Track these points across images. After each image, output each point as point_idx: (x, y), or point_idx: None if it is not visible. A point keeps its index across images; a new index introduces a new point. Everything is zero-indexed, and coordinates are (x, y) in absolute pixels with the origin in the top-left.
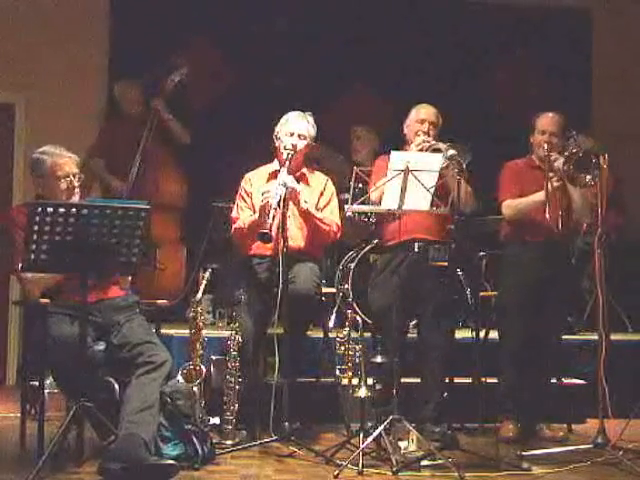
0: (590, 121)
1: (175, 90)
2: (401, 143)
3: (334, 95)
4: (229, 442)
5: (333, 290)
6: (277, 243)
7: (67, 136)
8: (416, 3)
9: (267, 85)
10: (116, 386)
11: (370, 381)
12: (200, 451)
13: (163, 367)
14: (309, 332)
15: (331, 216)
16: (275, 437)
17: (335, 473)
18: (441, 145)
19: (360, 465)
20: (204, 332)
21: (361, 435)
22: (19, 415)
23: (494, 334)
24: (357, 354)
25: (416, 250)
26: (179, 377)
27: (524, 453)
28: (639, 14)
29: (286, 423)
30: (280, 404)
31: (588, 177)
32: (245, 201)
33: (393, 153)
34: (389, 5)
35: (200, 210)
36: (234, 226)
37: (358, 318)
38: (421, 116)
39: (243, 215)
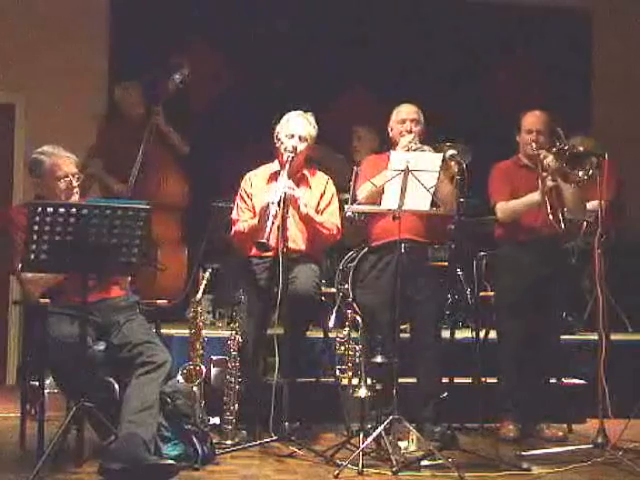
0: (590, 121)
1: (176, 91)
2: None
3: (334, 95)
4: (229, 442)
5: (333, 290)
6: (277, 244)
7: (67, 136)
8: (416, 3)
9: (267, 85)
10: (116, 386)
11: (370, 381)
12: (200, 451)
13: (163, 367)
14: (309, 332)
15: (331, 218)
16: (275, 437)
17: (335, 473)
18: (426, 148)
19: (360, 465)
20: (204, 332)
21: (361, 435)
22: (19, 415)
23: (494, 334)
24: (357, 354)
25: (403, 251)
26: (179, 377)
27: (524, 453)
28: (639, 14)
29: (286, 423)
30: (280, 404)
31: (581, 173)
32: (245, 202)
33: (393, 153)
34: (389, 5)
35: (200, 210)
36: (234, 229)
37: (358, 318)
38: (401, 116)
39: (243, 217)
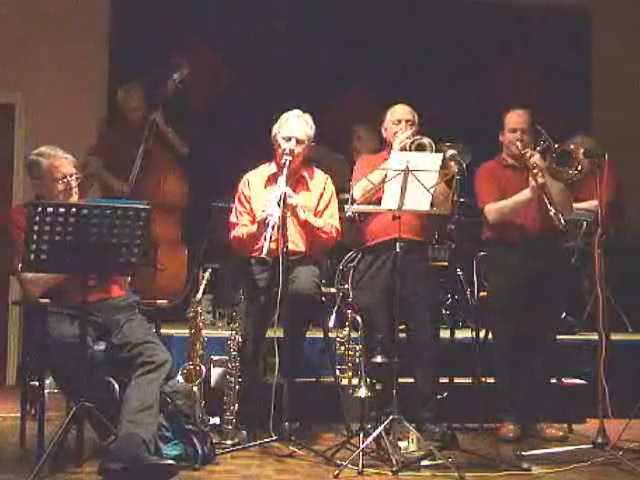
0: (590, 121)
1: (175, 90)
2: None
3: (334, 95)
4: (229, 442)
5: (333, 290)
6: (277, 244)
7: (67, 136)
8: (416, 3)
9: (267, 85)
10: (116, 386)
11: (370, 381)
12: (200, 451)
13: (163, 367)
14: (309, 332)
15: (331, 220)
16: (275, 437)
17: (335, 473)
18: (425, 139)
19: (360, 465)
20: (204, 332)
21: (361, 435)
22: (19, 415)
23: (492, 334)
24: (357, 354)
25: (398, 250)
26: (179, 377)
27: (524, 453)
28: (639, 14)
29: (286, 423)
30: (280, 404)
31: (570, 171)
32: (243, 206)
33: (393, 153)
34: (389, 5)
35: (200, 210)
36: (233, 234)
37: (358, 318)
38: (396, 116)
39: (242, 221)
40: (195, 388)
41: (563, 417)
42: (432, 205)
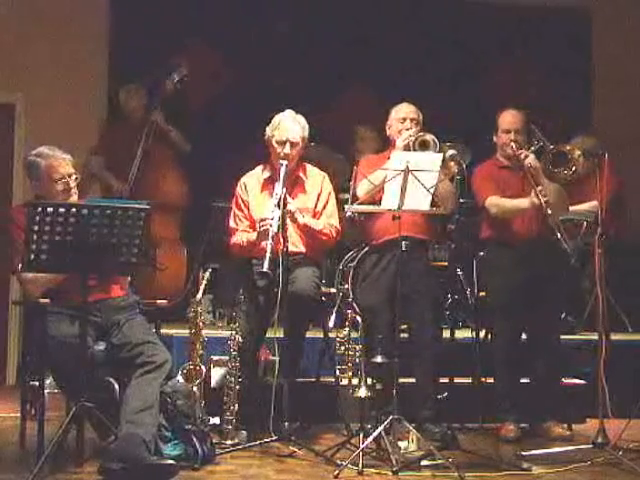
0: (590, 121)
1: (174, 90)
2: None
3: (334, 95)
4: (229, 442)
5: (333, 290)
6: (277, 244)
7: (67, 136)
8: (416, 3)
9: (267, 85)
10: (116, 386)
11: (370, 381)
12: (200, 451)
13: (163, 367)
14: (309, 332)
15: (329, 220)
16: (275, 437)
17: (335, 473)
18: (428, 136)
19: (360, 465)
20: (204, 332)
21: (361, 435)
22: (19, 415)
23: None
24: (357, 354)
25: (403, 249)
26: (179, 377)
27: (524, 453)
28: (639, 14)
29: (286, 423)
30: (280, 404)
31: (566, 172)
32: (242, 211)
33: (393, 153)
34: (389, 5)
35: (200, 210)
36: (232, 240)
37: (358, 318)
38: (401, 115)
39: (241, 226)
40: (195, 388)
41: (563, 417)
42: (436, 204)
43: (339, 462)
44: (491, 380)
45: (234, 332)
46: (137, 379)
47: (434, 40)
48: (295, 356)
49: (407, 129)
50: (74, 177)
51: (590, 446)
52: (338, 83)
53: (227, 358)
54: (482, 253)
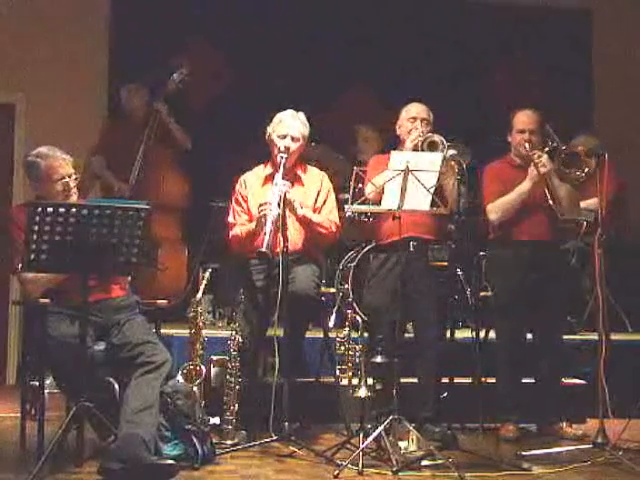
0: (591, 121)
1: (176, 90)
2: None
3: (335, 95)
4: (229, 442)
5: (333, 290)
6: (277, 243)
7: (67, 136)
8: (416, 3)
9: (267, 85)
10: (116, 386)
11: (370, 381)
12: (200, 451)
13: (163, 367)
14: (309, 332)
15: (329, 216)
16: (275, 437)
17: (335, 473)
18: (436, 137)
19: (360, 465)
20: (204, 332)
21: (361, 435)
22: (19, 415)
23: (494, 334)
24: (357, 354)
25: (411, 249)
26: (179, 377)
27: (524, 453)
28: (639, 14)
29: (286, 423)
30: (280, 404)
31: (578, 173)
32: (241, 205)
33: (393, 153)
34: (390, 5)
35: (200, 210)
36: (231, 233)
37: (358, 318)
38: (412, 114)
39: (240, 220)
40: (195, 388)
41: (563, 417)
42: (438, 205)
43: (339, 462)
44: (491, 380)
45: (234, 332)
46: (137, 379)
47: (434, 40)
48: (295, 356)
49: (417, 129)
50: (74, 177)
51: (590, 446)
52: (339, 83)
53: (227, 358)
54: (483, 253)
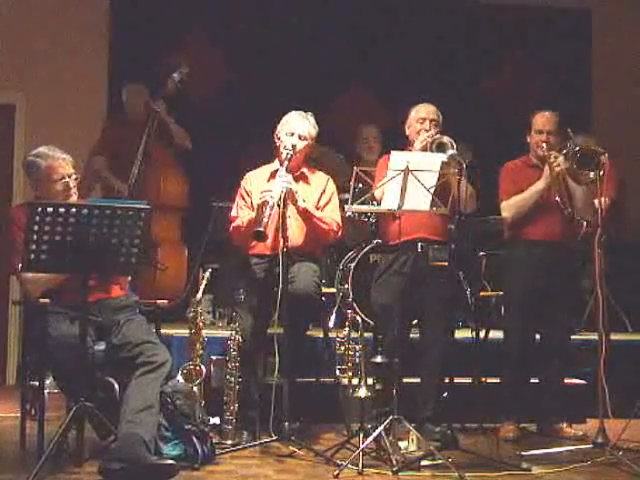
0: (591, 121)
1: (175, 90)
2: (400, 142)
3: (335, 95)
4: (229, 442)
5: (333, 290)
6: (277, 243)
7: (67, 136)
8: (417, 4)
9: (267, 85)
10: (116, 386)
11: (370, 381)
12: (200, 451)
13: (163, 367)
14: (309, 332)
15: (332, 215)
16: (275, 437)
17: (335, 473)
18: (445, 139)
19: (360, 465)
20: (204, 332)
21: (361, 435)
22: (19, 415)
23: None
24: (357, 354)
25: (419, 250)
26: (179, 377)
27: (524, 453)
28: (639, 14)
29: (286, 423)
30: (280, 404)
31: (592, 174)
32: (244, 200)
33: (393, 153)
34: (390, 6)
35: (200, 210)
36: (232, 224)
37: (358, 318)
38: (421, 115)
39: (242, 214)
40: (195, 388)
41: (563, 417)
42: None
43: (339, 462)
44: (491, 380)
45: (234, 332)
46: (137, 379)
47: (434, 40)
48: (295, 355)
49: (426, 130)
50: (74, 177)
51: (590, 446)
52: (338, 83)
53: (227, 358)
54: (501, 251)
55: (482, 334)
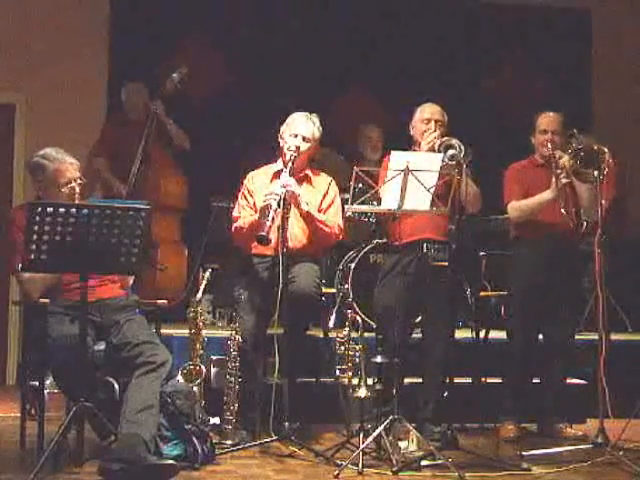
0: (591, 121)
1: (175, 90)
2: (401, 142)
3: (335, 96)
4: (229, 442)
5: (333, 290)
6: (277, 243)
7: (67, 136)
8: (417, 4)
9: (267, 85)
10: (116, 386)
11: (370, 381)
12: (200, 451)
13: (163, 367)
14: (309, 332)
15: (333, 218)
16: (275, 437)
17: (335, 473)
18: (454, 141)
19: (360, 465)
20: (204, 332)
21: (361, 435)
22: (19, 415)
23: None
24: (357, 354)
25: (424, 250)
26: (179, 377)
27: (524, 453)
28: (639, 14)
29: (286, 423)
30: (280, 404)
31: (596, 173)
32: (247, 200)
33: (393, 153)
34: (390, 6)
35: (200, 210)
36: (234, 225)
37: (358, 318)
38: (426, 115)
39: (244, 214)
40: (195, 388)
41: (563, 417)
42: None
43: (339, 462)
44: (491, 380)
45: (234, 332)
46: (137, 379)
47: (435, 40)
48: (295, 355)
49: (431, 131)
50: (79, 181)
51: (590, 446)
52: (338, 84)
53: (227, 358)
54: (508, 251)
55: (482, 334)
